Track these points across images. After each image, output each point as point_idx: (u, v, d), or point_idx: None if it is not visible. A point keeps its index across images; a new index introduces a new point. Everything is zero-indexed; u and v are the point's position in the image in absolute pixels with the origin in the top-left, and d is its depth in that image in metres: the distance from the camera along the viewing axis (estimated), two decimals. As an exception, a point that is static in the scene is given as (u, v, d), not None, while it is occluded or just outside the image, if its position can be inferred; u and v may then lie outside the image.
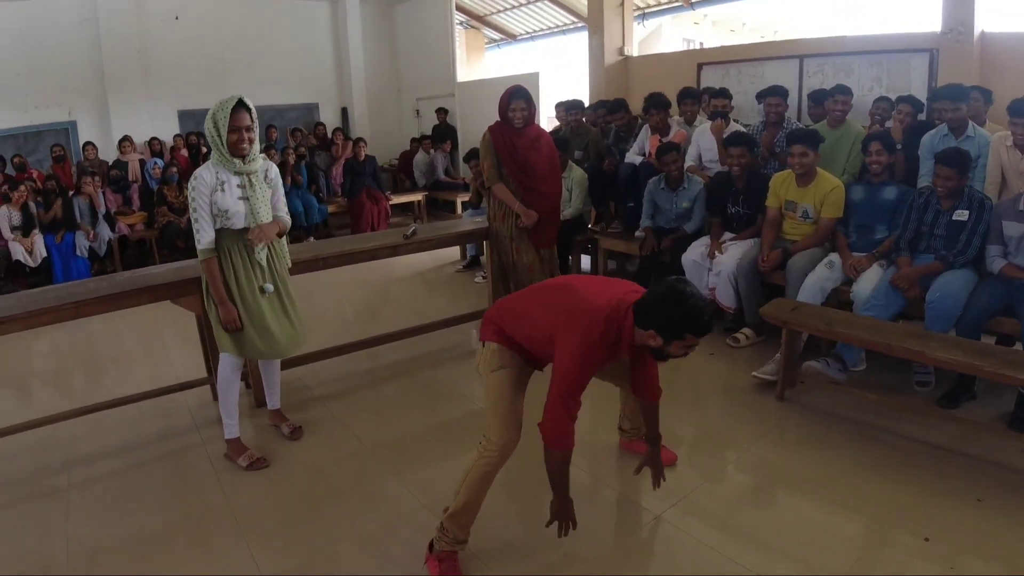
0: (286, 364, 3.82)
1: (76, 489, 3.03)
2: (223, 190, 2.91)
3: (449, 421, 3.57)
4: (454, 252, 7.11)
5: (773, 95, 4.86)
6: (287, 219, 3.18)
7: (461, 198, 9.03)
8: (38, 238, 6.82)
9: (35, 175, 7.72)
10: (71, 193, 7.27)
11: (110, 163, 8.23)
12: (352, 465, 3.15)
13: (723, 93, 5.36)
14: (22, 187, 6.90)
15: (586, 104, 6.65)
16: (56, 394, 4.26)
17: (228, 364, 3.10)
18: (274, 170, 3.12)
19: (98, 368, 4.66)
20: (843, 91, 4.63)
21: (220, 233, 2.96)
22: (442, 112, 10.32)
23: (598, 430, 3.47)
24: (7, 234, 6.71)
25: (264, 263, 3.06)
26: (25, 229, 6.82)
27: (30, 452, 3.35)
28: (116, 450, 3.36)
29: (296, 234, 8.10)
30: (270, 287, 3.06)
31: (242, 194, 2.93)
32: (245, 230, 2.96)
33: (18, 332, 3.07)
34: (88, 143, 8.22)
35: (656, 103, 5.42)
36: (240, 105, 2.84)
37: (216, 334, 3.06)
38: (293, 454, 3.25)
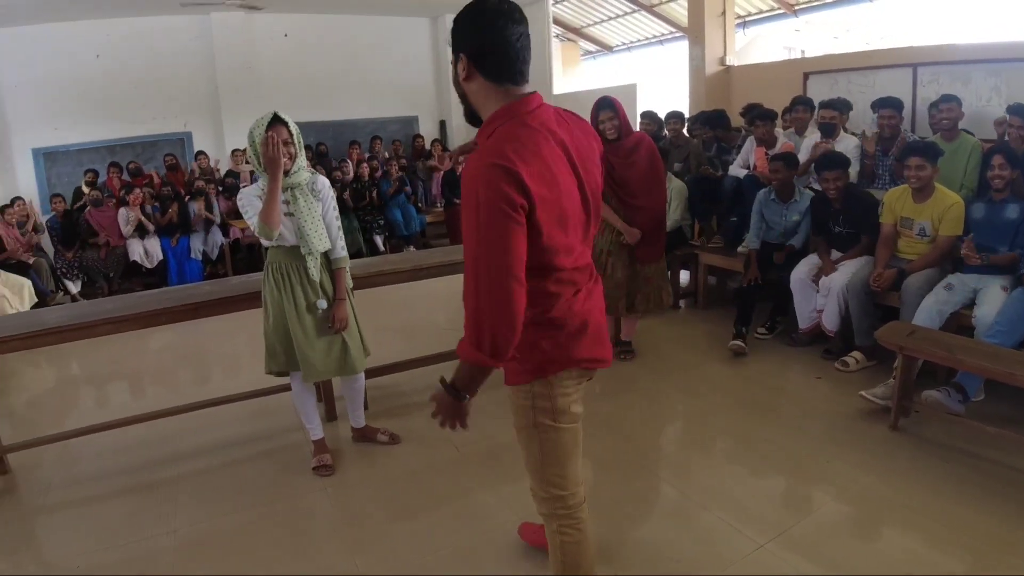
0: (382, 371, 3.90)
1: (184, 481, 3.18)
2: None
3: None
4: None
5: (885, 107, 4.61)
6: (341, 253, 3.09)
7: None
8: (154, 240, 7.23)
9: (153, 174, 8.19)
10: (187, 198, 7.68)
11: (223, 172, 8.65)
12: (449, 473, 3.17)
13: (833, 104, 4.95)
14: (137, 191, 7.34)
15: (686, 115, 6.50)
16: (167, 390, 4.47)
17: (295, 379, 3.16)
18: (321, 182, 3.04)
19: (207, 367, 4.88)
20: (947, 99, 4.38)
21: (274, 251, 2.99)
22: (537, 124, 10.31)
23: (686, 445, 3.38)
24: (127, 234, 7.14)
25: (318, 280, 3.02)
26: (142, 231, 7.24)
27: (142, 445, 3.54)
28: (222, 445, 3.51)
29: (396, 243, 8.34)
30: (323, 303, 3.03)
31: (287, 209, 2.90)
32: (296, 248, 2.95)
33: (136, 331, 3.25)
34: (200, 152, 8.67)
35: (761, 114, 5.25)
36: (276, 120, 2.81)
37: None
38: (392, 459, 3.31)
